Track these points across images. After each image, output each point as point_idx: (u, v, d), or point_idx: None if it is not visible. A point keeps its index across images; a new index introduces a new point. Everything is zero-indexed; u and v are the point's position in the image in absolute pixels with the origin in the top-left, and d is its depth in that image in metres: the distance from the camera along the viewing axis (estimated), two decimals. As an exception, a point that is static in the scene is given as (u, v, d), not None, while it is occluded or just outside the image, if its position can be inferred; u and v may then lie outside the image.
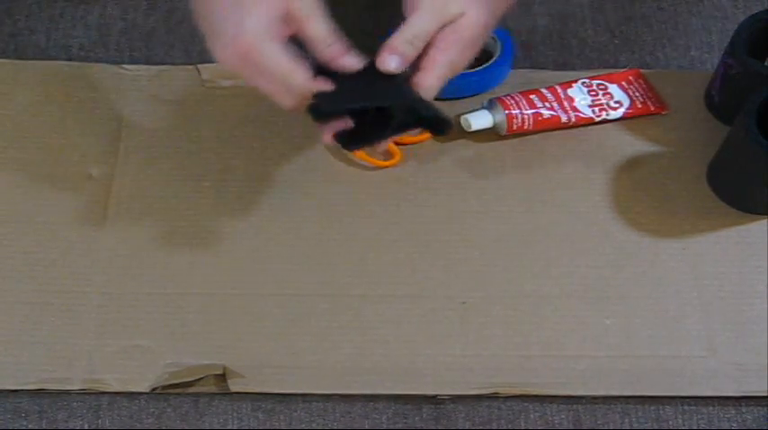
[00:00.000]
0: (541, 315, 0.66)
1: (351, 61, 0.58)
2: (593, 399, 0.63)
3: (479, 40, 0.61)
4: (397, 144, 0.73)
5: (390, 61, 0.58)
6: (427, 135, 0.74)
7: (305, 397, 0.63)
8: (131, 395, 0.63)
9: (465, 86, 0.76)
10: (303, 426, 0.63)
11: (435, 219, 0.70)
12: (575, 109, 0.74)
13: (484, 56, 0.79)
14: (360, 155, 0.73)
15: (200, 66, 0.77)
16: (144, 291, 0.66)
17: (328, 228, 0.69)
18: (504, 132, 0.73)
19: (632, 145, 0.74)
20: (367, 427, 0.63)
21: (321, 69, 0.59)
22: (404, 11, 0.59)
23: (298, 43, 0.58)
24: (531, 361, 0.64)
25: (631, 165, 0.73)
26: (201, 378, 0.63)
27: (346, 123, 0.61)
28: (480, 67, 0.76)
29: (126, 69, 0.78)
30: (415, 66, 0.59)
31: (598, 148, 0.74)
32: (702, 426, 0.63)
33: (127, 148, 0.73)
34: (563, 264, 0.68)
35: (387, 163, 0.73)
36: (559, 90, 0.74)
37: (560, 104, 0.73)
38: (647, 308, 0.66)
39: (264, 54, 0.56)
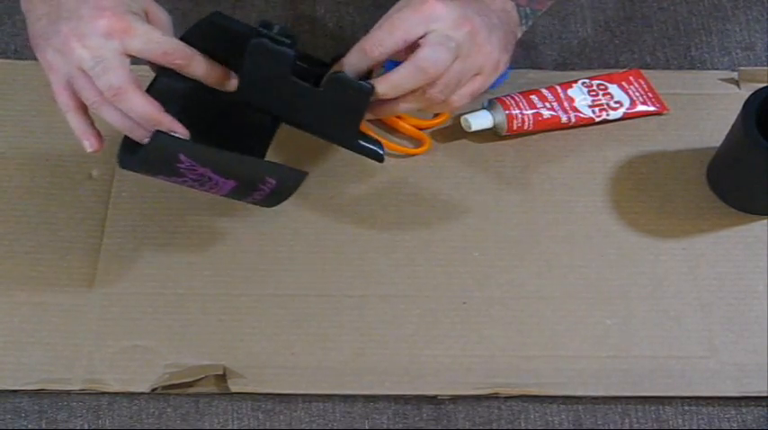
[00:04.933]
0: (541, 315, 0.66)
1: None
2: (593, 399, 0.63)
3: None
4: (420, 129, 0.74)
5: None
6: (442, 119, 0.74)
7: (305, 397, 0.63)
8: (131, 395, 0.63)
9: (465, 86, 0.76)
10: (303, 426, 0.63)
11: (435, 218, 0.70)
12: (575, 109, 0.74)
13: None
14: (388, 144, 0.72)
15: (200, 66, 0.77)
16: (144, 291, 0.66)
17: (328, 229, 0.69)
18: (504, 132, 0.73)
19: (632, 145, 0.74)
20: (367, 427, 0.63)
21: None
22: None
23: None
24: (531, 361, 0.64)
25: (631, 165, 0.73)
26: (201, 378, 0.63)
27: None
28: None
29: (126, 69, 0.78)
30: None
31: (598, 148, 0.74)
32: (702, 426, 0.62)
33: (127, 148, 0.73)
34: (563, 264, 0.68)
35: (416, 150, 0.73)
36: (559, 90, 0.74)
37: (560, 104, 0.73)
38: (647, 308, 0.66)
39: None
